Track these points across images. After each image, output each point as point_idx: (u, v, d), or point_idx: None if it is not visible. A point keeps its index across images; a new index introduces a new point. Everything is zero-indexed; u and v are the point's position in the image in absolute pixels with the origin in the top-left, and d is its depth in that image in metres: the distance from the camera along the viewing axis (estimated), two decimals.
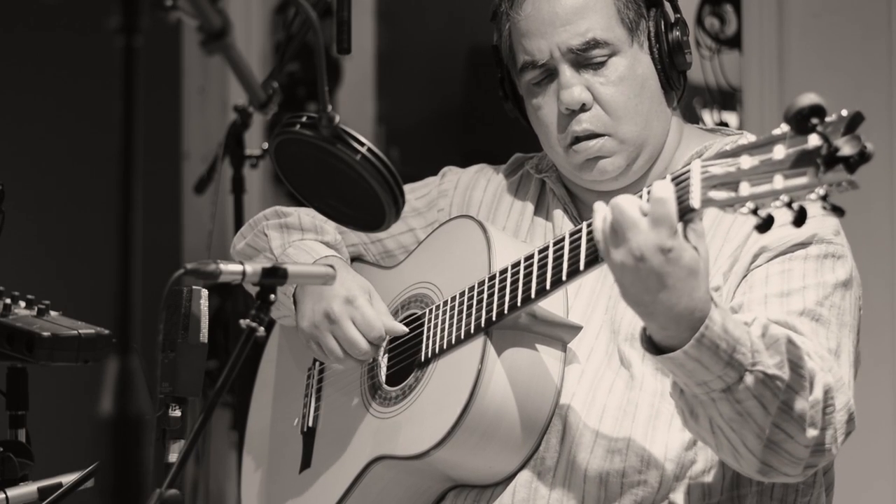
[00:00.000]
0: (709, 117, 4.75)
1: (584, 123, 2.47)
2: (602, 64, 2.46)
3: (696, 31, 4.71)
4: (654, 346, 2.14)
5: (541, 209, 2.64)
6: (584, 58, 2.46)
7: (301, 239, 2.70)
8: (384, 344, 2.57)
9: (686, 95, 2.58)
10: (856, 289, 2.40)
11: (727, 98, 4.79)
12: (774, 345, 2.15)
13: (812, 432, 2.18)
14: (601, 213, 2.11)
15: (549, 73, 2.49)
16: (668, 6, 2.52)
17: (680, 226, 2.05)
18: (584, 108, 2.46)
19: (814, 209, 2.36)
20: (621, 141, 2.47)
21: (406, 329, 2.54)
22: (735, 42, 4.61)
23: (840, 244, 2.39)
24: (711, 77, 4.74)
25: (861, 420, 2.31)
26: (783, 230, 2.35)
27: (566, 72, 2.46)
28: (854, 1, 4.15)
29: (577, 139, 2.47)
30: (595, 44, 2.45)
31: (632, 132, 2.47)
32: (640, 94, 2.47)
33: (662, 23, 2.50)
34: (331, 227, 2.72)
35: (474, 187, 2.72)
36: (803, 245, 2.36)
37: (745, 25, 4.43)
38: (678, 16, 2.52)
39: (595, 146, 2.47)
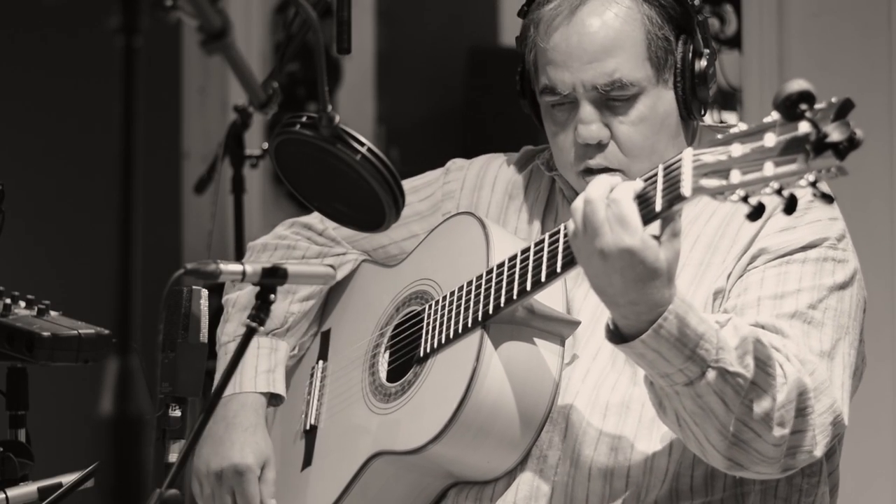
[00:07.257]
0: (709, 117, 4.74)
1: (598, 158, 2.43)
2: (624, 104, 2.42)
3: None
4: (619, 336, 2.16)
5: (550, 208, 2.62)
6: (608, 97, 2.41)
7: (233, 341, 2.67)
8: (385, 341, 2.58)
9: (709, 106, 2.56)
10: (857, 292, 2.38)
11: (727, 98, 4.78)
12: (742, 343, 2.16)
13: (780, 432, 2.18)
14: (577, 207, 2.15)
15: (570, 102, 2.44)
16: (699, 34, 2.44)
17: (658, 223, 2.07)
18: (600, 143, 2.43)
19: (819, 214, 2.37)
20: (633, 177, 2.44)
21: None
22: (735, 42, 4.60)
23: (843, 249, 2.37)
24: None
25: (861, 419, 2.31)
26: (785, 234, 2.35)
27: (586, 108, 2.42)
28: (854, 1, 4.15)
29: (590, 170, 2.44)
30: (620, 85, 2.40)
31: (645, 170, 2.44)
32: (659, 132, 2.44)
33: (690, 53, 2.44)
34: (278, 312, 2.68)
35: (482, 186, 2.68)
36: (803, 249, 2.35)
37: (745, 25, 4.43)
38: (707, 50, 2.45)
39: None
